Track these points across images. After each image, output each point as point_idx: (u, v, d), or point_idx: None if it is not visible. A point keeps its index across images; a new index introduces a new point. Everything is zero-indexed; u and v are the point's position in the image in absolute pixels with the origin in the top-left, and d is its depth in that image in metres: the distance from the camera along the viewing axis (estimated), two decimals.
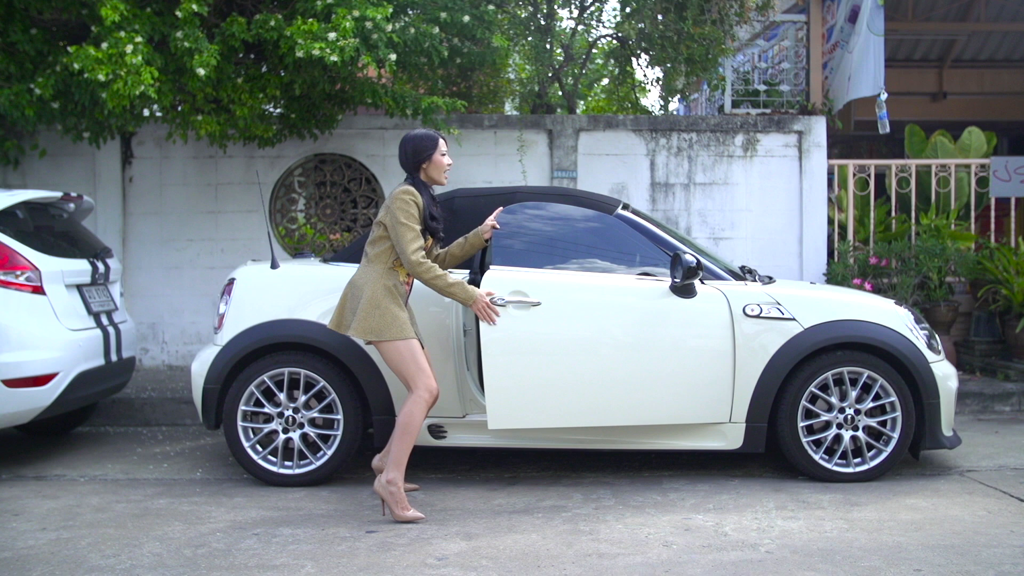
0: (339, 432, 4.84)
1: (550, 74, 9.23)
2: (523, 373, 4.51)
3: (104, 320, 5.75)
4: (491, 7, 7.20)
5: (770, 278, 5.29)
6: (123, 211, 8.09)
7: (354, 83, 6.80)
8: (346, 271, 5.06)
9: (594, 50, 10.44)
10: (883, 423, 4.84)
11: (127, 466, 5.39)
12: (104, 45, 5.74)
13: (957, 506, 4.39)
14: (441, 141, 4.42)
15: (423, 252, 4.27)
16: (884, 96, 8.15)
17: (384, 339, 4.20)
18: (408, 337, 4.22)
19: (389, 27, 6.18)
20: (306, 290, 5.06)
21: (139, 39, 5.77)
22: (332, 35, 5.88)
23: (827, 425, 4.88)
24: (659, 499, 4.58)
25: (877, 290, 7.57)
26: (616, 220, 4.99)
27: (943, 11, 11.60)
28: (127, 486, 4.93)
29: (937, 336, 5.19)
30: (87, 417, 6.34)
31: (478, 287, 4.77)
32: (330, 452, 4.84)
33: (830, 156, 8.68)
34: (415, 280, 4.42)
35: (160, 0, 6.25)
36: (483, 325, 4.46)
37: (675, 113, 11.93)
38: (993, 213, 8.56)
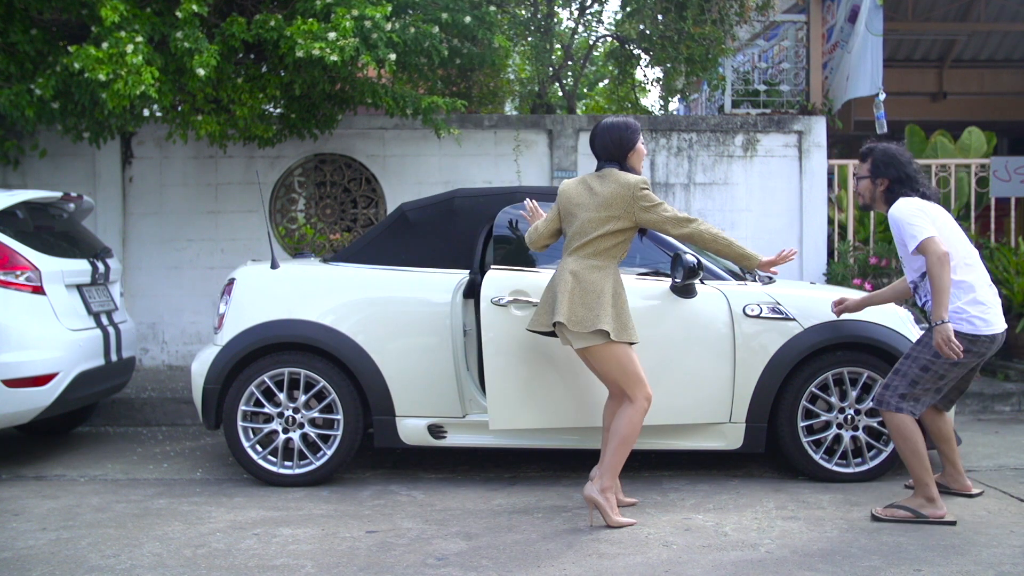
0: (339, 432, 4.84)
1: (550, 74, 9.24)
2: (524, 374, 4.50)
3: (104, 320, 5.75)
4: (492, 8, 7.20)
5: (770, 278, 5.28)
6: (123, 211, 8.09)
7: (354, 83, 6.81)
8: (346, 271, 5.08)
9: (595, 52, 10.44)
10: (883, 423, 4.83)
11: (127, 466, 5.39)
12: (104, 45, 5.74)
13: (957, 506, 4.38)
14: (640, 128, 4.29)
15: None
16: (882, 96, 8.16)
17: (620, 340, 4.02)
18: (636, 342, 4.10)
19: (388, 26, 6.18)
20: (306, 290, 5.05)
21: (139, 39, 5.77)
22: (332, 35, 5.88)
23: (827, 425, 4.88)
24: (659, 499, 4.58)
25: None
26: None
27: (943, 11, 11.60)
28: (127, 486, 4.93)
29: None
30: (87, 417, 6.34)
31: (478, 287, 4.77)
32: (330, 452, 4.84)
33: (830, 156, 8.68)
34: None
35: (160, 0, 6.25)
36: (484, 327, 4.45)
37: (675, 113, 11.93)
38: (993, 213, 8.56)
